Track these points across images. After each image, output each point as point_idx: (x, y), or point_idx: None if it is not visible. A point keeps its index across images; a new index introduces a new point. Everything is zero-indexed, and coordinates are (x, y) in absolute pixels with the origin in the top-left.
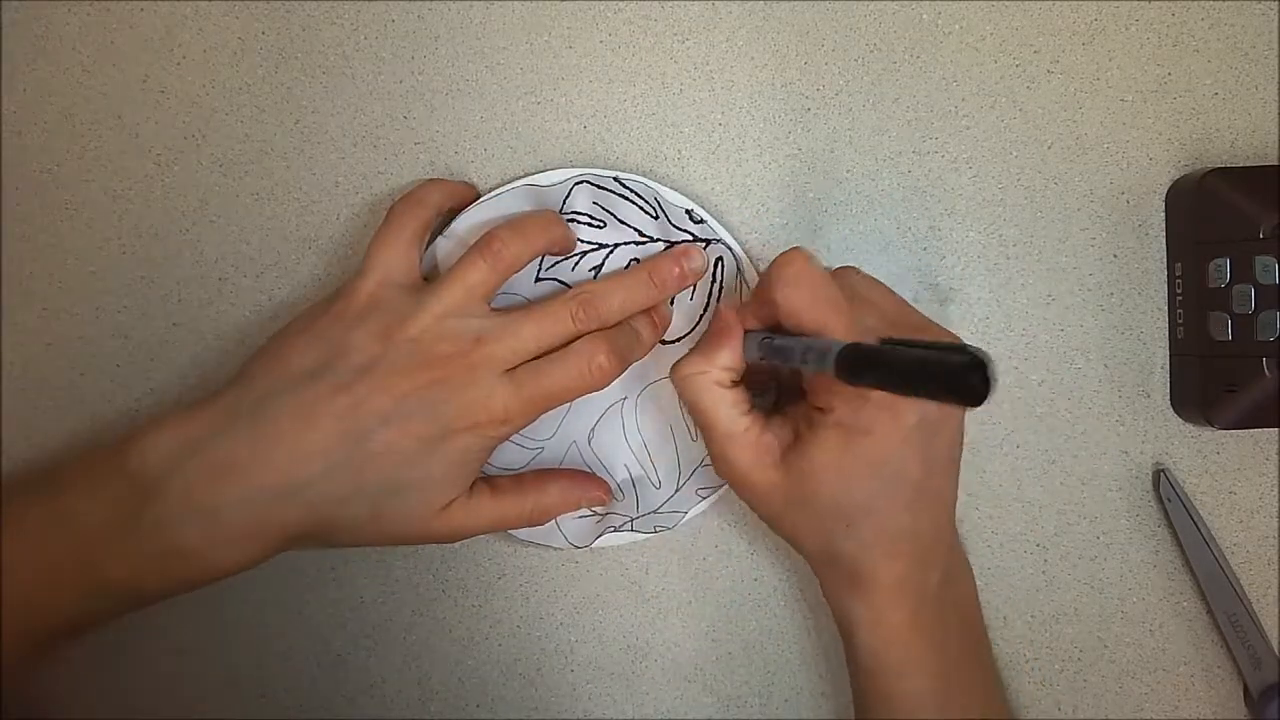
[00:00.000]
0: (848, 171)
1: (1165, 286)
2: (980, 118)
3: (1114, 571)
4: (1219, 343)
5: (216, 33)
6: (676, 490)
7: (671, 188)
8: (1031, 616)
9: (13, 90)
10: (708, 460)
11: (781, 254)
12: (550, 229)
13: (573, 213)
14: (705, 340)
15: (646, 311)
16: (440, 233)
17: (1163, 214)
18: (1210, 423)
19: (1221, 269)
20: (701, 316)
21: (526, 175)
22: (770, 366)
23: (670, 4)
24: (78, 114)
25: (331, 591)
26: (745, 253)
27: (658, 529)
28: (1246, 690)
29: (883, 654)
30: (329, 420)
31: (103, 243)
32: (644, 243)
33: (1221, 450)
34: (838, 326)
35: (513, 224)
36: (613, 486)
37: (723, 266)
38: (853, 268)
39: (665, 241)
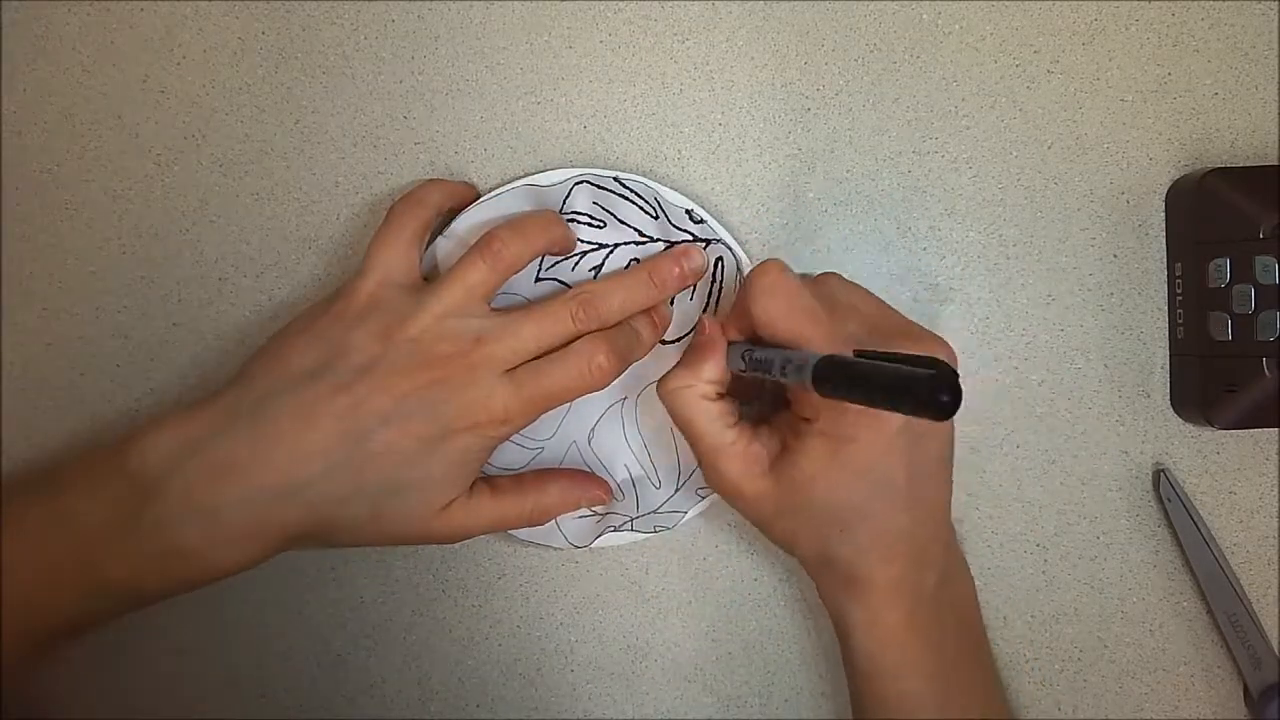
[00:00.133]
0: (848, 171)
1: (1165, 286)
2: (980, 118)
3: (1114, 571)
4: (1219, 343)
5: (216, 33)
6: (676, 490)
7: (671, 188)
8: (1031, 616)
9: (13, 90)
10: None
11: (758, 265)
12: (550, 229)
13: (573, 213)
14: (689, 353)
15: (646, 311)
16: (440, 233)
17: (1163, 214)
18: (1210, 423)
19: (1221, 269)
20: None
21: (526, 175)
22: (754, 377)
23: (670, 4)
24: (78, 114)
25: (331, 591)
26: (745, 253)
27: (658, 529)
28: (1246, 690)
29: (879, 656)
30: (329, 420)
31: (103, 243)
32: (644, 243)
33: (1221, 450)
34: (814, 336)
35: (513, 224)
36: (613, 486)
37: (723, 266)
38: (834, 274)
39: (665, 241)
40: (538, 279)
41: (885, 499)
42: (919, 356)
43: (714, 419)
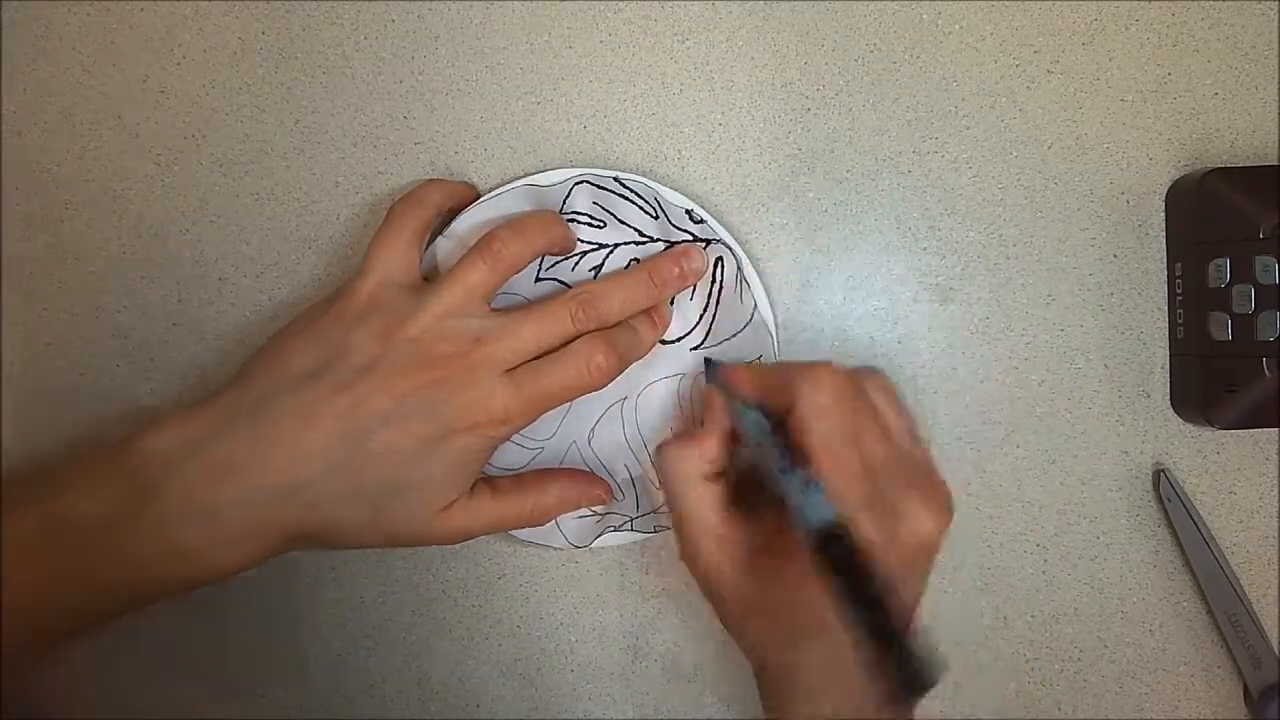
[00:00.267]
0: (848, 171)
1: (1165, 286)
2: (980, 118)
3: (1114, 571)
4: (1219, 343)
5: (216, 33)
6: None
7: (671, 188)
8: (1031, 616)
9: (13, 90)
10: None
11: (817, 364)
12: (550, 229)
13: (573, 213)
14: (692, 430)
15: (646, 311)
16: (440, 233)
17: (1163, 214)
18: (1210, 423)
19: (1221, 269)
20: (701, 316)
21: (526, 175)
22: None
23: (670, 4)
24: (78, 114)
25: (331, 591)
26: (745, 253)
27: (658, 529)
28: (1246, 690)
29: None
30: (329, 420)
31: (103, 243)
32: (644, 243)
33: (1221, 450)
34: (835, 472)
35: (513, 224)
36: (613, 486)
37: (723, 266)
38: (878, 378)
39: (665, 241)
40: (538, 279)
41: None
42: (904, 637)
43: (708, 500)
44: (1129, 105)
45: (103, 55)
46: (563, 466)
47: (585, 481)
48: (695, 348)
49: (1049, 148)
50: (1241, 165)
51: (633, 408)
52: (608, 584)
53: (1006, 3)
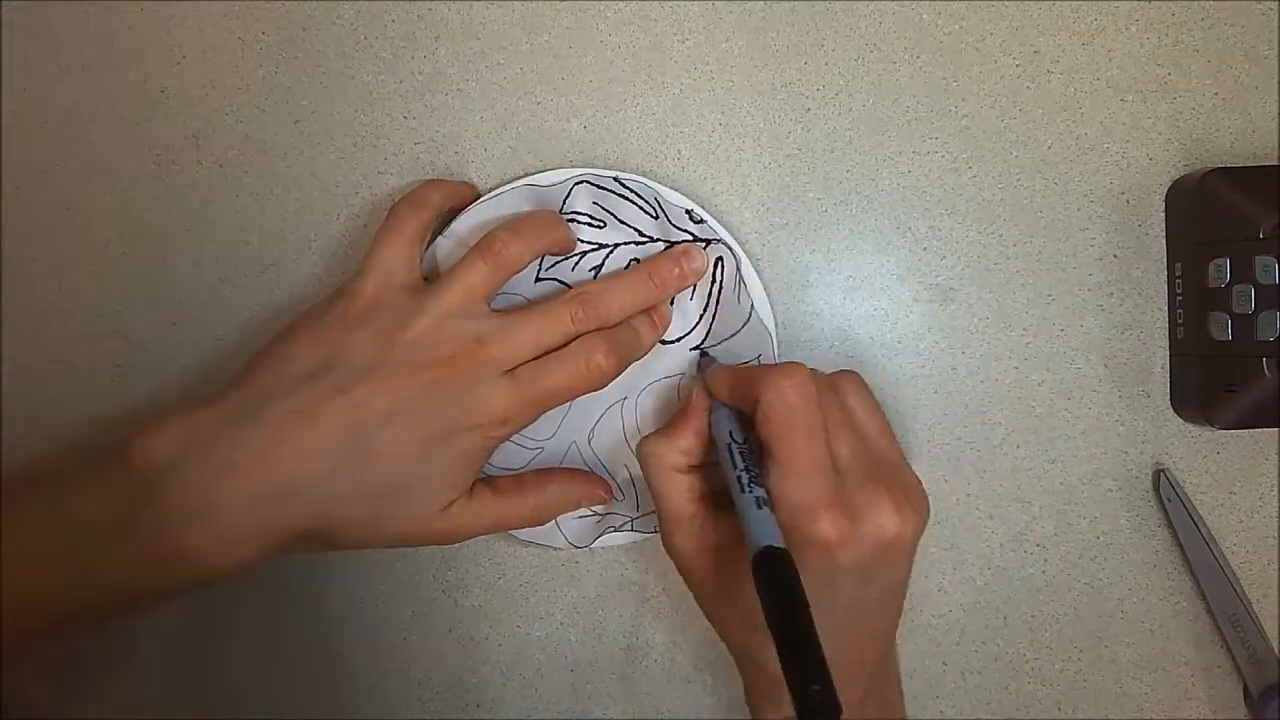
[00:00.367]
0: (848, 171)
1: (1165, 286)
2: (980, 118)
3: (1114, 571)
4: (1219, 343)
5: (216, 33)
6: None
7: (671, 188)
8: (1031, 616)
9: (13, 90)
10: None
11: (786, 364)
12: (550, 229)
13: (573, 213)
14: (672, 420)
15: (646, 311)
16: (440, 233)
17: (1163, 214)
18: (1210, 423)
19: (1221, 269)
20: (701, 316)
21: (526, 175)
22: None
23: (670, 4)
24: (78, 114)
25: (331, 591)
26: (745, 253)
27: (657, 529)
28: (1246, 690)
29: None
30: (330, 421)
31: (103, 243)
32: (644, 243)
33: (1221, 450)
34: (802, 459)
35: (513, 224)
36: (613, 486)
37: (723, 266)
38: (853, 378)
39: (665, 241)
40: (538, 279)
41: (817, 623)
42: (812, 664)
43: (681, 491)
44: (1129, 105)
45: (103, 55)
46: (563, 466)
47: (585, 481)
48: (695, 348)
49: (1049, 148)
50: (1241, 165)
51: (633, 408)
52: (608, 584)
53: (1006, 3)
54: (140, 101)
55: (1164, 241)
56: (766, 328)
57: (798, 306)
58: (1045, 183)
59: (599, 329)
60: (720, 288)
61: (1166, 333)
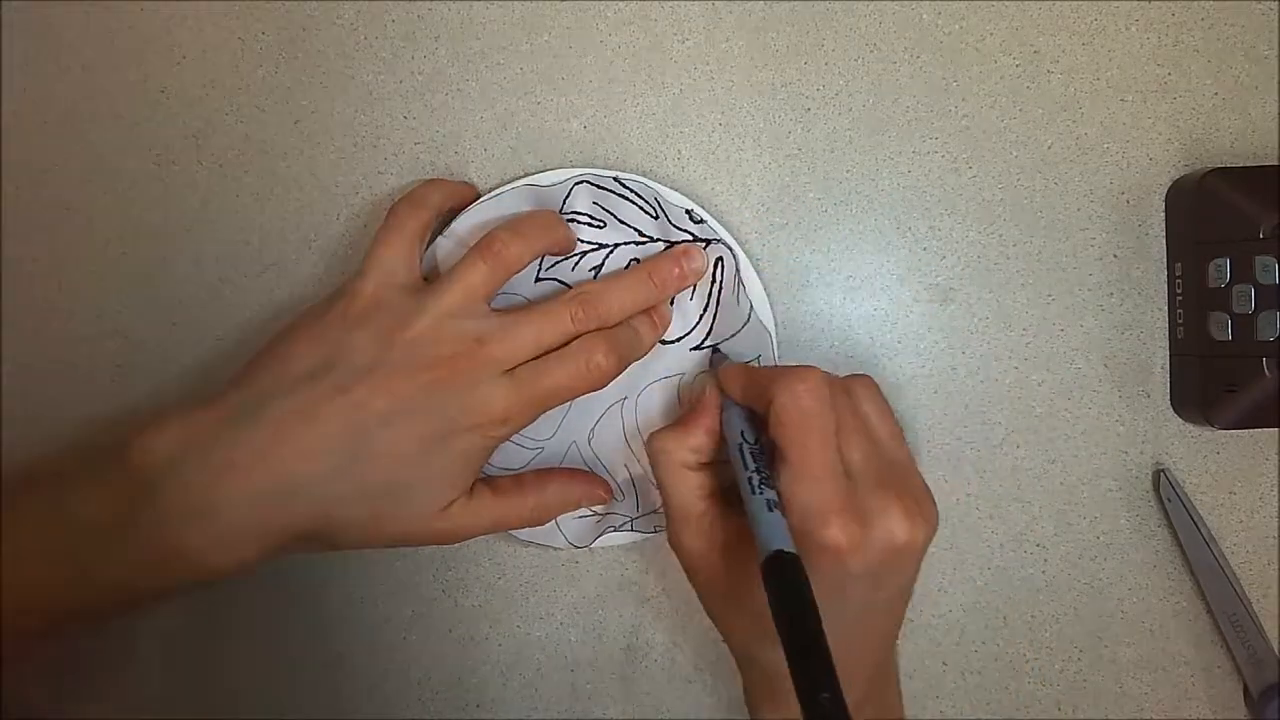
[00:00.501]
0: (848, 171)
1: (1165, 286)
2: (980, 118)
3: (1114, 571)
4: (1219, 343)
5: (216, 33)
6: None
7: (671, 188)
8: (1031, 616)
9: (13, 90)
10: None
11: (802, 366)
12: (550, 229)
13: (573, 213)
14: (683, 416)
15: (646, 311)
16: (440, 233)
17: (1163, 214)
18: (1210, 423)
19: (1221, 269)
20: (701, 316)
21: (526, 175)
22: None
23: (670, 4)
24: (78, 114)
25: (332, 591)
26: (745, 253)
27: (658, 529)
28: (1246, 690)
29: None
30: (330, 421)
31: (103, 243)
32: (644, 243)
33: (1221, 450)
34: (815, 463)
35: (513, 224)
36: (613, 486)
37: (723, 266)
38: (867, 383)
39: (665, 241)
40: (538, 279)
41: (825, 627)
42: (819, 673)
43: (690, 488)
44: (1129, 105)
45: (103, 55)
46: (563, 466)
47: (585, 481)
48: (695, 348)
49: (1049, 148)
50: (1241, 165)
51: (633, 408)
52: (608, 584)
53: (1006, 3)
54: (140, 101)
55: (1164, 241)
56: (766, 328)
57: (798, 306)
58: (1045, 183)
59: (599, 329)
60: (720, 288)
61: (1166, 333)
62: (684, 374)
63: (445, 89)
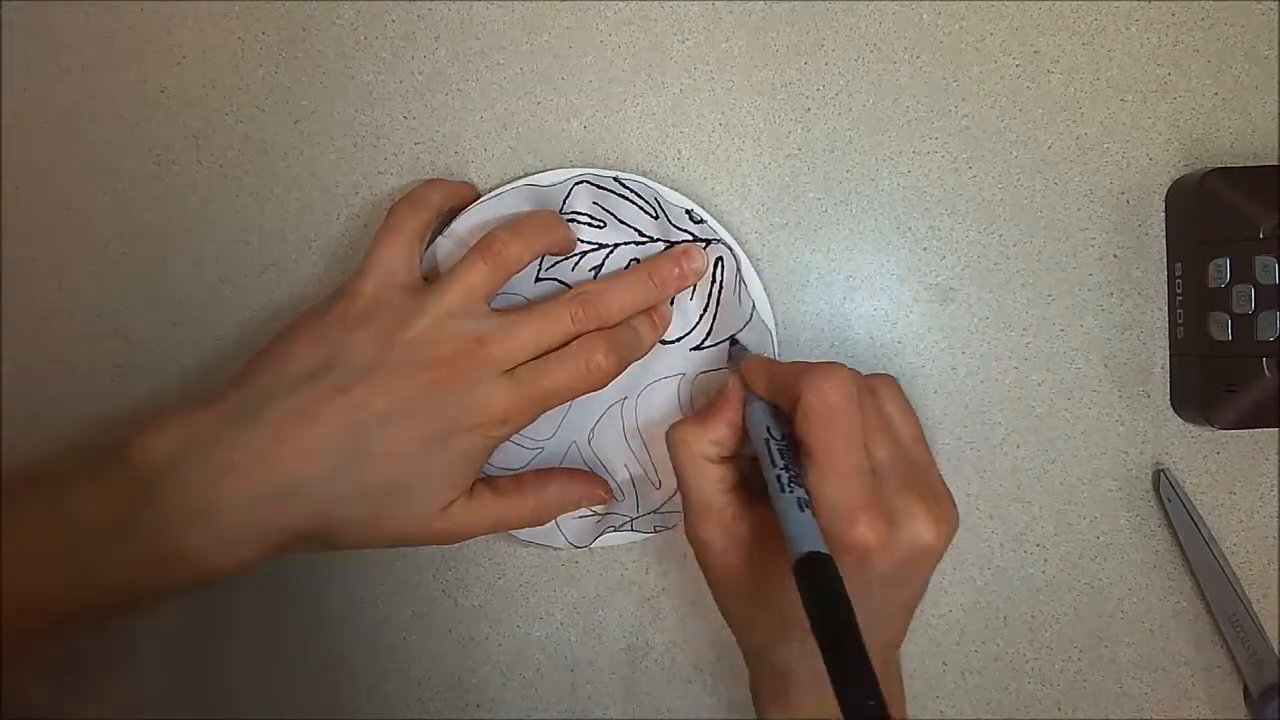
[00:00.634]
0: (848, 171)
1: (1165, 286)
2: (980, 118)
3: (1114, 571)
4: (1219, 343)
5: (216, 33)
6: (676, 490)
7: (671, 188)
8: (1031, 616)
9: (13, 90)
10: None
11: (827, 363)
12: (550, 229)
13: (573, 213)
14: (705, 409)
15: (646, 311)
16: (440, 233)
17: (1163, 214)
18: (1210, 423)
19: (1221, 269)
20: (701, 316)
21: (526, 175)
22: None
23: (670, 4)
24: (78, 114)
25: (332, 591)
26: (745, 253)
27: (658, 529)
28: (1246, 690)
29: None
30: (330, 421)
31: (103, 243)
32: (644, 243)
33: (1221, 450)
34: (841, 462)
35: (513, 224)
36: (613, 486)
37: (723, 266)
38: (890, 382)
39: (665, 241)
40: (538, 279)
41: None
42: (859, 666)
43: (711, 481)
44: (1129, 105)
45: (103, 55)
46: (563, 466)
47: (585, 481)
48: (695, 348)
49: (1049, 148)
50: (1241, 165)
51: (633, 408)
52: (608, 584)
53: (1006, 3)
54: (140, 101)
55: (1164, 241)
56: (767, 327)
57: (798, 306)
58: (1045, 183)
59: (599, 329)
60: (720, 288)
61: (1166, 333)
62: (684, 374)
63: (445, 89)
